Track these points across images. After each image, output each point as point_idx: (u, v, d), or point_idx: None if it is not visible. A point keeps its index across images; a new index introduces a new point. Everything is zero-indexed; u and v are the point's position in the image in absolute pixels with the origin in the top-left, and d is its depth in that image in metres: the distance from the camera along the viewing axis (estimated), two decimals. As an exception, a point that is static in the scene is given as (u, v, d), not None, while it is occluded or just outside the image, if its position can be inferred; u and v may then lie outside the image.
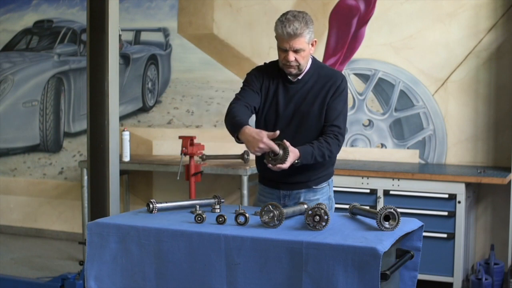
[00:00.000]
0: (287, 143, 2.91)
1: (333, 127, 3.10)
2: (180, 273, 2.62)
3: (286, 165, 2.89)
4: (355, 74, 5.50)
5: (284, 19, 3.03)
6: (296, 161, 2.96)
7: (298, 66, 3.08)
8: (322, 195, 3.24)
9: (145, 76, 6.30)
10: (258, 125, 3.19)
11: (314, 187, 3.19)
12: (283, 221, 2.66)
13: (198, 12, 6.01)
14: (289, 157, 2.88)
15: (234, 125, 2.99)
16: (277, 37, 3.08)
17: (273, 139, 2.92)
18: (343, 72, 5.48)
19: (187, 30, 6.09)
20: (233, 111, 3.05)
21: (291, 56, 3.03)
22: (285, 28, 3.00)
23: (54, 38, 6.66)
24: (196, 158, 4.71)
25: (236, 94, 3.18)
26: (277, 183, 3.22)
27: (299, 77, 3.14)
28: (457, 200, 4.61)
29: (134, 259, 2.70)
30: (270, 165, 2.92)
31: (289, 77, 3.15)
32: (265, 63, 3.28)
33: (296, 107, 3.12)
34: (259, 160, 3.23)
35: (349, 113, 5.49)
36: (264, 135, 2.88)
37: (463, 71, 5.16)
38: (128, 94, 6.34)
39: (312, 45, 3.09)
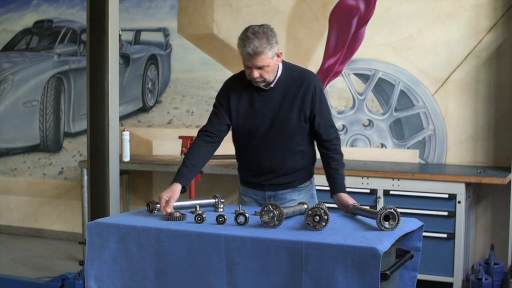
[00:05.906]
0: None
1: (331, 129, 3.19)
2: (180, 273, 2.62)
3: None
4: (355, 74, 5.50)
5: (244, 37, 2.98)
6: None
7: (265, 80, 3.06)
8: (307, 193, 3.27)
9: (145, 76, 6.30)
10: (239, 136, 3.20)
11: (299, 186, 3.22)
12: (283, 221, 2.66)
13: (198, 12, 6.01)
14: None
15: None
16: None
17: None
18: (343, 72, 5.50)
19: (187, 30, 6.09)
20: (188, 152, 3.14)
21: (255, 73, 3.02)
22: (245, 48, 2.96)
23: (54, 38, 6.65)
24: (196, 158, 4.70)
25: (204, 125, 3.22)
26: (262, 185, 3.22)
27: (271, 85, 3.12)
28: (457, 200, 4.60)
29: (134, 259, 2.70)
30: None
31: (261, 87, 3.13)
32: (233, 75, 3.27)
33: (274, 114, 3.11)
34: (242, 163, 3.27)
35: (349, 113, 5.50)
36: (170, 204, 2.87)
37: (463, 71, 5.16)
38: (128, 94, 6.34)
39: (278, 56, 3.05)
